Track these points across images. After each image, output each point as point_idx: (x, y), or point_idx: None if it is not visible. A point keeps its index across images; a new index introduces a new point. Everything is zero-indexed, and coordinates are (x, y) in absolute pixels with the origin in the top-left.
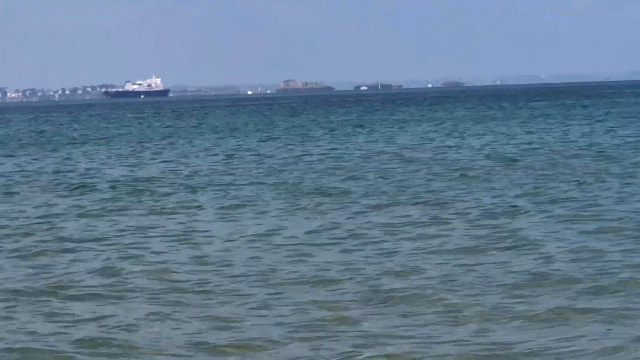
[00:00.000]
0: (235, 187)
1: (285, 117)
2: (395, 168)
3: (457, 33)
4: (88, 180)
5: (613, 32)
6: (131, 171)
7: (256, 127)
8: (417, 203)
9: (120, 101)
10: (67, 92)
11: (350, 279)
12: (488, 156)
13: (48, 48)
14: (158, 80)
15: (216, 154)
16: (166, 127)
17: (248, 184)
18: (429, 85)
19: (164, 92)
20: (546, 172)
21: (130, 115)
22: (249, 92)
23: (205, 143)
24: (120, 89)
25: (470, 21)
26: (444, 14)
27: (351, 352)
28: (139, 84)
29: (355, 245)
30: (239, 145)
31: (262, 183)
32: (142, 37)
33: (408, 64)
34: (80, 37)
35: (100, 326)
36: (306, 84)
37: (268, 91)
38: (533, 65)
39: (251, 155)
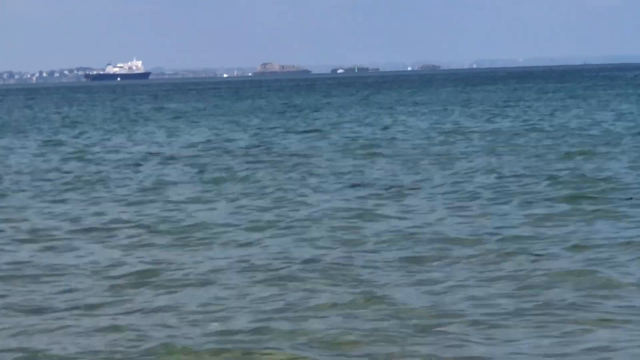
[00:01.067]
0: None
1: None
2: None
3: (434, 16)
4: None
5: (590, 17)
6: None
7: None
8: None
9: (102, 84)
10: (44, 74)
11: None
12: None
13: (26, 30)
14: (139, 63)
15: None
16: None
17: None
18: (409, 69)
19: (145, 75)
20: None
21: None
22: (225, 75)
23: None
24: (101, 72)
25: (448, 4)
26: None
27: None
28: (120, 67)
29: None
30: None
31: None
32: (118, 20)
33: (384, 47)
34: (59, 20)
35: None
36: (283, 67)
37: (250, 74)
38: (510, 49)
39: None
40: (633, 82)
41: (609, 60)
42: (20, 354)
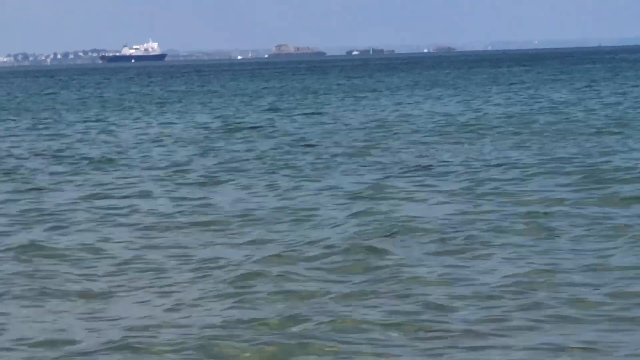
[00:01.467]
0: None
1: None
2: None
3: None
4: None
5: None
6: None
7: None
8: None
9: (118, 66)
10: (59, 56)
11: None
12: None
13: (41, 12)
14: (155, 45)
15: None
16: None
17: None
18: (425, 50)
19: (161, 57)
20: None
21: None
22: (239, 57)
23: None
24: (117, 54)
25: None
26: None
27: None
28: (136, 48)
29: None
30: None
31: None
32: (133, 2)
33: (399, 29)
34: (73, 1)
35: None
36: (298, 48)
37: (266, 56)
38: (525, 31)
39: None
40: None
41: (623, 43)
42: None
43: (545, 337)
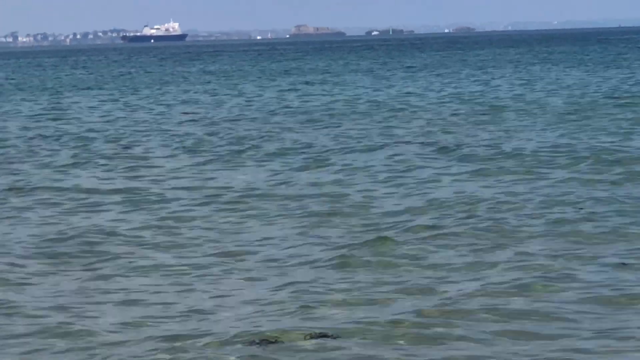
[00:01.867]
0: None
1: None
2: None
3: None
4: None
5: None
6: None
7: None
8: None
9: (140, 46)
10: (78, 36)
11: None
12: None
13: None
14: (176, 25)
15: None
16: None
17: None
18: (445, 31)
19: (182, 37)
20: None
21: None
22: (258, 37)
23: None
24: (138, 34)
25: None
26: None
27: None
28: (157, 29)
29: None
30: None
31: None
32: None
33: (418, 9)
34: None
35: None
36: (317, 29)
37: (287, 36)
38: (544, 11)
39: None
40: None
41: None
42: None
43: None
